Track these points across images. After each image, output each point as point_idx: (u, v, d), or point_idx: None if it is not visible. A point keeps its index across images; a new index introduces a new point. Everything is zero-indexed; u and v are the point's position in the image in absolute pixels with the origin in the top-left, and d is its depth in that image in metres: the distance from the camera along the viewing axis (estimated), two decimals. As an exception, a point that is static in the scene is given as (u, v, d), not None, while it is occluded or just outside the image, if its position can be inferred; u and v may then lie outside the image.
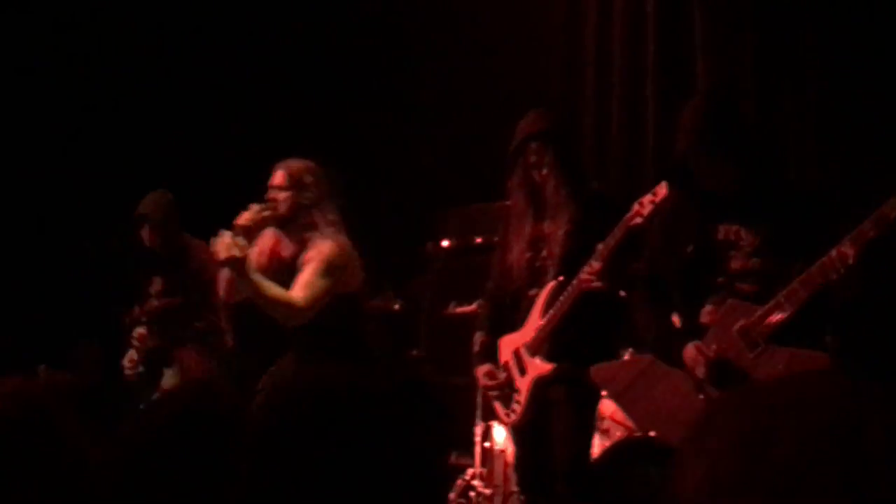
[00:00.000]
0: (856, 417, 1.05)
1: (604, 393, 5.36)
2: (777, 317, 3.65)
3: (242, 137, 7.71)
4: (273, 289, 4.88)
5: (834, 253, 3.53)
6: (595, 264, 4.36)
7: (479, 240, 6.80)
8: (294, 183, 5.02)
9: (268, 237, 5.18)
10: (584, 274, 4.38)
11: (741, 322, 3.74)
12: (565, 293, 4.50)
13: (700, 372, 3.79)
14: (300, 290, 4.91)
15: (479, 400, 5.96)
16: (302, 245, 5.04)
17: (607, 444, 5.41)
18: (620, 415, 5.61)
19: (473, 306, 6.07)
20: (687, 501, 1.09)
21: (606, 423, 5.55)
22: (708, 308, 3.89)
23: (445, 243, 7.05)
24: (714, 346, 3.79)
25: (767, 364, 3.61)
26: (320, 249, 4.96)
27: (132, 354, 6.35)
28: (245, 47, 7.98)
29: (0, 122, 7.54)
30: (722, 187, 3.90)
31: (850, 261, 3.49)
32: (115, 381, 6.54)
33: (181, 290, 6.22)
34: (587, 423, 4.70)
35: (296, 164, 5.09)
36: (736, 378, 3.68)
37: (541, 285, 4.63)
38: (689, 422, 3.66)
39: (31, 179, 7.55)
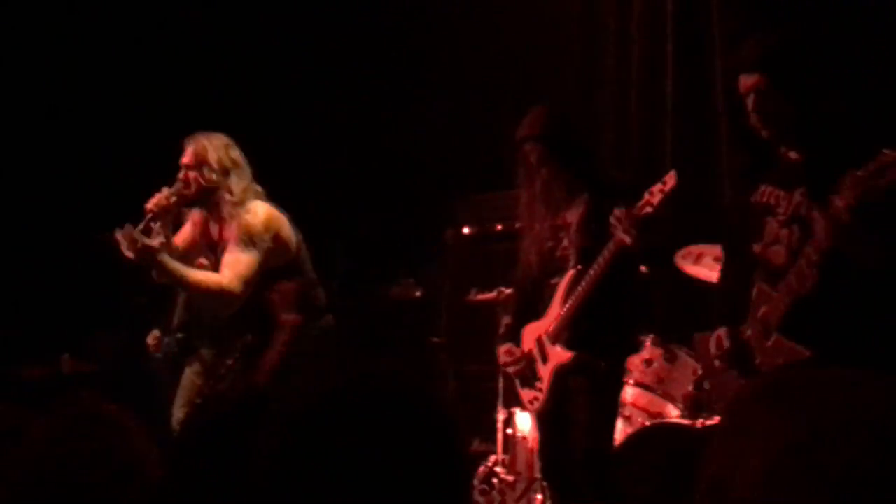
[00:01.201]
0: None
1: (627, 380, 5.37)
2: (784, 303, 3.51)
3: (257, 127, 7.73)
4: (195, 274, 4.86)
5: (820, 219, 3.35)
6: (624, 224, 4.33)
7: (499, 227, 6.81)
8: (200, 160, 4.91)
9: (196, 218, 5.13)
10: (618, 234, 4.35)
11: (763, 309, 3.59)
12: (584, 281, 4.51)
13: (720, 357, 3.72)
14: (225, 271, 4.88)
15: (500, 387, 5.97)
16: (223, 223, 4.98)
17: (630, 430, 5.41)
18: (643, 401, 5.63)
19: (494, 293, 6.08)
20: (737, 498, 1.09)
21: (629, 410, 5.56)
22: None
23: (466, 230, 7.06)
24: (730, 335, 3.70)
25: (774, 356, 3.52)
26: (238, 223, 4.90)
27: (155, 332, 6.34)
28: (259, 35, 7.98)
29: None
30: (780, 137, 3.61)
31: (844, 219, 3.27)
32: (138, 366, 6.55)
33: None
34: (609, 410, 4.70)
35: (201, 139, 4.96)
36: (751, 369, 3.61)
37: (562, 274, 4.66)
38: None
39: (43, 171, 7.56)
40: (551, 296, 4.69)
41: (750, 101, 3.59)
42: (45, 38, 7.59)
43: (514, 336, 4.88)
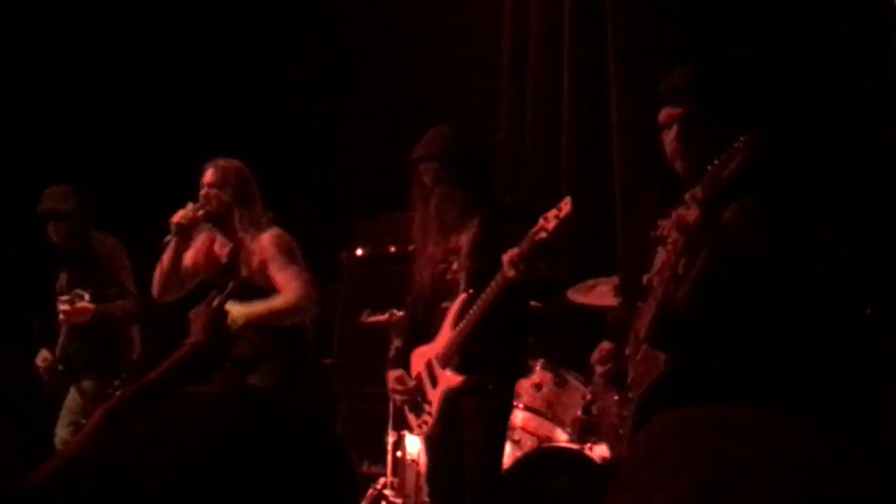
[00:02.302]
0: (819, 475, 1.08)
1: (517, 404, 5.40)
2: (650, 313, 3.55)
3: (156, 137, 7.65)
4: (268, 304, 4.97)
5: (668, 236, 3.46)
6: (511, 259, 4.35)
7: (392, 249, 6.82)
8: (223, 181, 5.14)
9: (202, 238, 5.28)
10: (505, 268, 4.38)
11: (636, 326, 3.64)
12: (477, 303, 4.52)
13: (599, 371, 3.79)
14: (290, 286, 5.03)
15: (391, 409, 5.97)
16: (238, 244, 5.12)
17: (518, 454, 5.45)
18: (532, 425, 5.67)
19: (386, 315, 6.08)
20: None
21: (518, 434, 5.59)
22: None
23: (359, 252, 7.06)
24: (609, 346, 3.75)
25: (639, 366, 3.57)
26: (272, 241, 5.09)
27: (45, 353, 6.25)
28: (163, 47, 7.91)
29: None
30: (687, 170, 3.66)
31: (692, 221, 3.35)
32: (28, 382, 6.45)
33: (88, 285, 6.13)
34: (498, 434, 4.70)
35: (224, 162, 5.20)
36: (622, 378, 3.67)
37: (452, 298, 4.65)
38: (615, 433, 3.68)
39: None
40: (442, 319, 4.67)
41: (672, 133, 3.64)
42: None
43: (404, 360, 4.85)
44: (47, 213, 6.21)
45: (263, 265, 5.08)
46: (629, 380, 3.62)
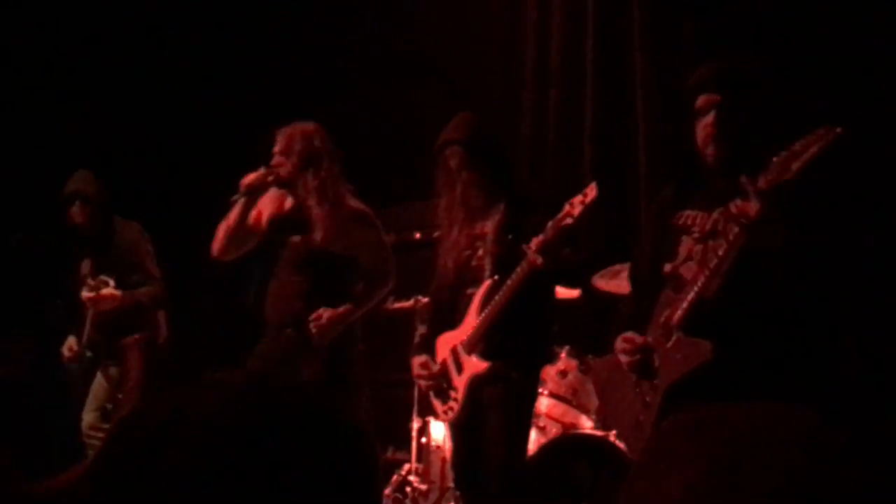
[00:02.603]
0: (826, 462, 1.12)
1: (542, 391, 5.40)
2: (685, 305, 3.53)
3: (170, 125, 7.68)
4: (362, 303, 5.20)
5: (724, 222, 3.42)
6: (537, 247, 4.36)
7: (417, 235, 6.81)
8: (288, 148, 5.21)
9: (269, 198, 5.35)
10: (531, 255, 4.38)
11: (666, 312, 3.61)
12: (502, 290, 4.52)
13: (625, 363, 3.75)
14: (377, 269, 5.21)
15: (416, 396, 5.98)
16: (307, 209, 5.17)
17: (543, 441, 5.45)
18: (557, 412, 5.67)
19: (410, 302, 6.09)
20: None
21: (543, 421, 5.60)
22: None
23: (384, 239, 7.05)
24: (642, 339, 3.71)
25: (673, 354, 3.55)
26: (367, 211, 5.25)
27: (72, 341, 6.29)
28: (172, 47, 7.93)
29: None
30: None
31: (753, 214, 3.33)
32: (51, 370, 6.48)
33: (112, 271, 6.17)
34: (523, 421, 4.71)
35: (291, 129, 5.28)
36: (651, 371, 3.64)
37: (478, 284, 4.66)
38: (632, 420, 3.66)
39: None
40: (467, 305, 4.68)
41: (709, 118, 3.62)
42: None
43: (429, 346, 4.86)
44: (73, 195, 6.25)
45: (346, 235, 5.17)
46: (656, 366, 3.59)
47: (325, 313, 5.06)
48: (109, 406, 6.21)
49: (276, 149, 5.23)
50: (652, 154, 6.32)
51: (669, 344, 3.55)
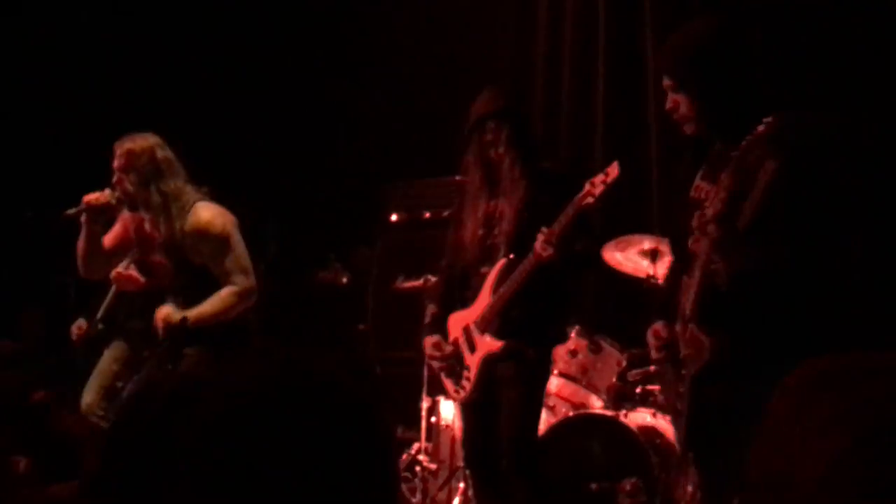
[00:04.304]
0: None
1: (552, 371, 5.39)
2: (694, 293, 3.48)
3: (193, 110, 7.65)
4: (216, 305, 4.93)
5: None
6: (547, 238, 4.35)
7: (427, 214, 6.80)
8: (128, 165, 4.95)
9: (128, 218, 5.15)
10: (538, 247, 4.37)
11: (683, 300, 3.54)
12: (516, 271, 4.50)
13: (654, 357, 3.72)
14: (233, 274, 4.94)
15: (425, 374, 5.97)
16: (161, 223, 4.96)
17: (553, 421, 5.45)
18: (567, 391, 5.66)
19: (420, 281, 6.07)
20: (803, 496, 1.02)
21: (553, 400, 5.59)
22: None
23: (393, 217, 7.04)
24: (667, 331, 3.66)
25: (688, 346, 3.52)
26: (202, 228, 4.91)
27: (81, 322, 6.27)
28: (194, 19, 7.90)
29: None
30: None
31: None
32: (62, 346, 6.47)
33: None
34: (535, 400, 4.70)
35: (126, 143, 4.99)
36: (678, 361, 3.61)
37: (492, 263, 4.62)
38: (673, 410, 3.62)
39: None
40: (480, 284, 4.65)
41: (669, 101, 3.63)
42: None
43: (440, 326, 4.83)
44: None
45: (196, 251, 4.95)
46: (682, 356, 3.57)
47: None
48: (119, 384, 6.19)
49: (116, 165, 4.99)
50: (663, 133, 6.30)
51: (686, 334, 3.52)
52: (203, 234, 4.92)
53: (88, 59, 7.75)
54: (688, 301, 3.50)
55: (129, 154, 4.95)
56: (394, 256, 6.88)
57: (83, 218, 5.06)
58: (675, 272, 3.72)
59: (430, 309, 4.92)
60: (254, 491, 1.23)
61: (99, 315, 6.15)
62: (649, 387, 5.53)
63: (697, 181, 3.63)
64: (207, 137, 7.34)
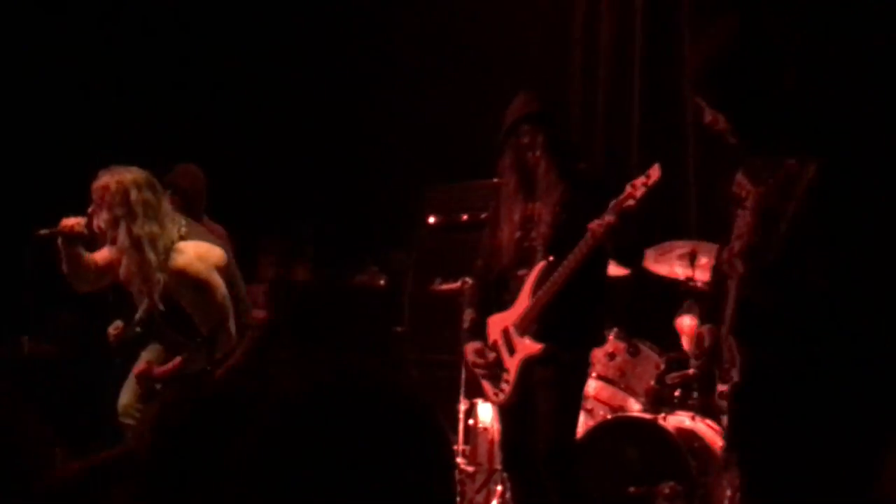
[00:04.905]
0: None
1: (590, 373, 5.38)
2: (732, 294, 3.46)
3: (233, 112, 7.69)
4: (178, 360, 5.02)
5: None
6: (600, 223, 4.33)
7: (464, 217, 6.80)
8: (101, 201, 4.81)
9: (106, 252, 5.08)
10: (593, 225, 4.36)
11: (727, 308, 3.52)
12: (557, 272, 4.49)
13: (693, 365, 3.70)
14: (203, 325, 4.98)
15: (462, 377, 5.97)
16: (142, 266, 4.88)
17: (591, 423, 5.43)
18: (605, 394, 5.65)
19: (458, 283, 6.06)
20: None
21: (591, 403, 5.58)
22: None
23: (431, 220, 7.05)
24: (710, 342, 3.63)
25: (727, 358, 3.49)
26: (182, 267, 4.86)
27: (118, 323, 6.30)
28: (228, 21, 7.94)
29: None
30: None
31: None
32: (95, 350, 6.50)
33: None
34: (573, 403, 4.69)
35: (107, 177, 4.81)
36: (720, 368, 3.59)
37: (530, 265, 4.62)
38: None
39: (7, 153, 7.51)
40: (518, 287, 4.64)
41: (706, 114, 3.57)
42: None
43: (480, 331, 4.81)
44: (167, 185, 6.22)
45: (180, 294, 4.94)
46: (725, 364, 3.53)
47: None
48: (158, 387, 6.22)
49: (94, 198, 4.83)
50: (700, 137, 6.27)
51: (727, 344, 3.49)
52: (181, 278, 4.87)
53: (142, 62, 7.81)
54: (729, 307, 3.48)
55: (103, 190, 4.78)
56: (431, 259, 6.88)
57: (59, 241, 4.97)
58: (719, 275, 3.68)
59: (469, 314, 4.90)
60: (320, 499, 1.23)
61: (136, 317, 6.19)
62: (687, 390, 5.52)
63: (738, 177, 3.59)
64: (248, 141, 7.40)
